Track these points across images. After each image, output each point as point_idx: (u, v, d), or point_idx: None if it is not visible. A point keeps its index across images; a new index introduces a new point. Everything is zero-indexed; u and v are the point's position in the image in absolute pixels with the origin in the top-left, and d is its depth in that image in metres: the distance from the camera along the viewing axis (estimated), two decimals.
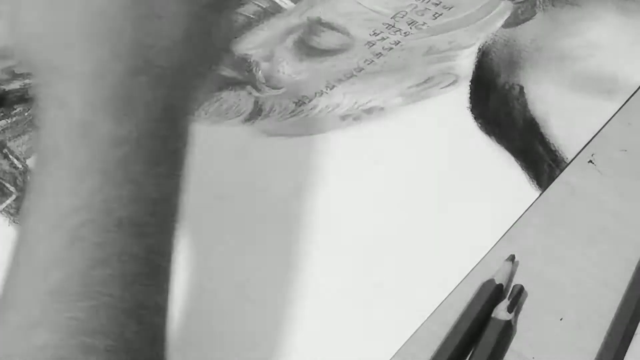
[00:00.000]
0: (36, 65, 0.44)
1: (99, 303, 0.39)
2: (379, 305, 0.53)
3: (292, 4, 0.72)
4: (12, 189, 0.61)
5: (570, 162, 0.59)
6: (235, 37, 0.59)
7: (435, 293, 0.53)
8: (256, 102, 0.65)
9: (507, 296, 0.52)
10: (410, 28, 0.69)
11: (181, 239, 0.56)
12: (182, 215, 0.44)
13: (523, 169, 0.59)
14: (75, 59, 0.42)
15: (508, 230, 0.56)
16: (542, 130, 0.61)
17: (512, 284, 0.53)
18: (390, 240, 0.56)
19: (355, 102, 0.64)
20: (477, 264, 0.54)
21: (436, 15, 0.70)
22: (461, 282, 0.53)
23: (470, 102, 0.64)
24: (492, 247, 0.55)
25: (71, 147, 0.41)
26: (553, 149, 0.60)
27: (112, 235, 0.40)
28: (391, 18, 0.70)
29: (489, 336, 0.50)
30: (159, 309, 0.42)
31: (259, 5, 0.73)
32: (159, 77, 0.43)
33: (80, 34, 0.43)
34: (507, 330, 0.51)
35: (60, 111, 0.42)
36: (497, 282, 0.52)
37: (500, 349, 0.51)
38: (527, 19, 0.69)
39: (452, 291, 0.53)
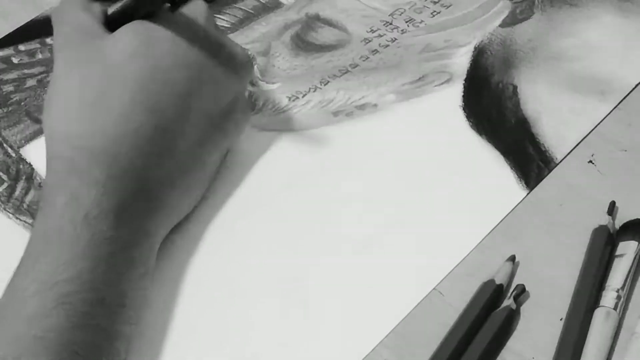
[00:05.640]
0: (61, 157, 0.51)
1: (69, 358, 0.46)
2: (363, 299, 0.54)
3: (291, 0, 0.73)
4: (4, 177, 0.62)
5: (559, 162, 0.59)
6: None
7: (419, 288, 0.53)
8: (250, 97, 0.65)
9: (508, 295, 0.52)
10: (408, 26, 0.69)
11: (172, 234, 0.56)
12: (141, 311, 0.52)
13: (512, 169, 0.59)
14: (95, 167, 0.51)
15: (493, 228, 0.56)
16: (533, 130, 0.61)
17: (513, 285, 0.52)
18: (378, 235, 0.56)
19: (349, 98, 0.65)
20: (461, 261, 0.54)
21: (434, 13, 0.70)
22: (460, 282, 0.53)
23: (463, 101, 0.63)
24: (492, 247, 0.55)
25: (75, 232, 0.49)
26: (543, 149, 0.60)
27: (92, 308, 0.48)
28: (389, 15, 0.70)
29: (493, 323, 0.51)
30: None
31: (258, 0, 0.73)
32: (155, 204, 0.53)
33: (106, 144, 0.51)
34: (510, 318, 0.51)
35: (72, 202, 0.50)
36: (497, 282, 0.52)
37: (503, 336, 0.51)
38: (525, 19, 0.69)
39: (451, 291, 0.53)
